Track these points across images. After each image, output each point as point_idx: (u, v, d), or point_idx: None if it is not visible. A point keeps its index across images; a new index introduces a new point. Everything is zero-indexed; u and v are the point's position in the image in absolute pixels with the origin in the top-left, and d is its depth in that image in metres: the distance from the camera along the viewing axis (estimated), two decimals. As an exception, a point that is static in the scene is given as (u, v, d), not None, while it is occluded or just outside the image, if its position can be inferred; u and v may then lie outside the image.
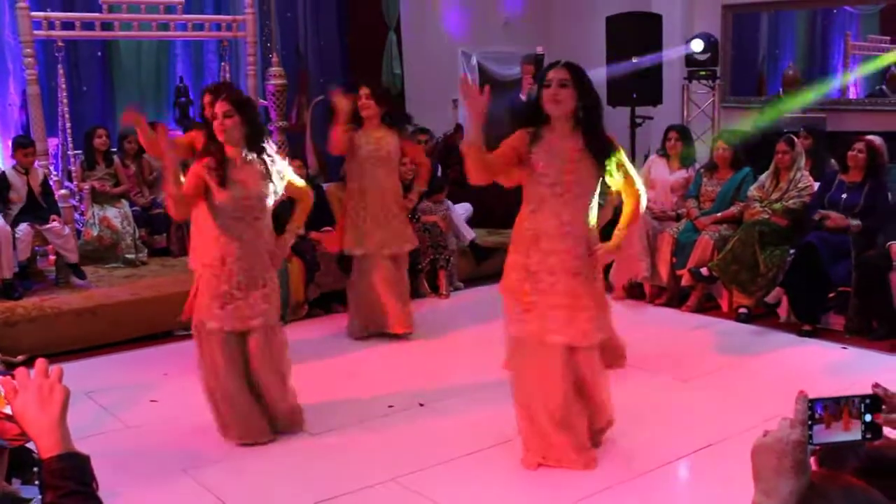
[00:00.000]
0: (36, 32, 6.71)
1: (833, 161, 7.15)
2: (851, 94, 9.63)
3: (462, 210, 7.91)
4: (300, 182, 4.56)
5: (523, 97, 8.35)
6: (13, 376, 1.75)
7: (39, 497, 1.65)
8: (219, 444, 4.39)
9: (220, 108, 4.18)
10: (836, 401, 1.42)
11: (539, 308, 3.82)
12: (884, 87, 9.79)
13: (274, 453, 4.32)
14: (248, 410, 4.37)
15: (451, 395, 4.98)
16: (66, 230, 6.47)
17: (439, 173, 7.86)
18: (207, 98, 5.04)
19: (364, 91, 5.93)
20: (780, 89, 10.78)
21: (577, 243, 3.84)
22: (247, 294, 4.24)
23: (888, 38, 10.94)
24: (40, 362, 1.75)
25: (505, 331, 4.04)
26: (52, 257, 6.72)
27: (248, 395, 4.37)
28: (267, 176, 4.25)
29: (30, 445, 1.81)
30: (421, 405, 4.86)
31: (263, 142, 4.29)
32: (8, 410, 1.80)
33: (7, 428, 1.74)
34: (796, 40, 12.03)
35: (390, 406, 4.84)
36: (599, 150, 3.81)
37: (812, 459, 1.58)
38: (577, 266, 3.84)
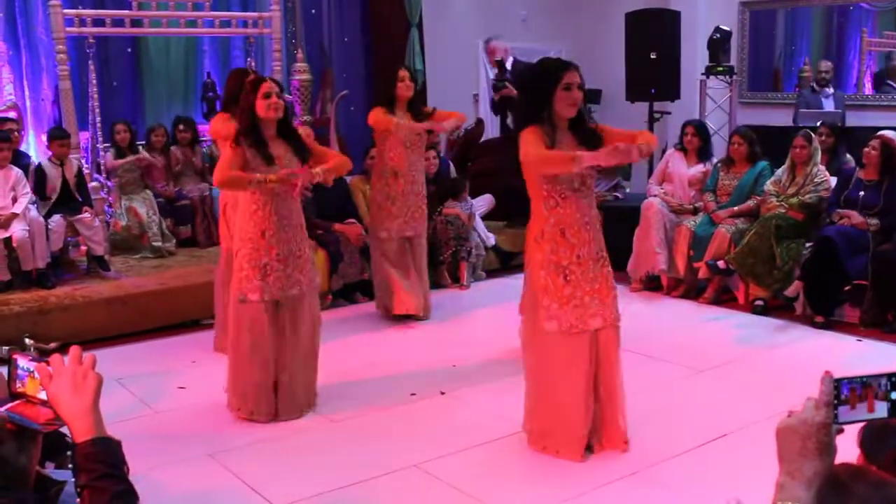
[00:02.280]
0: (68, 29, 6.74)
1: (849, 157, 7.09)
2: (867, 90, 9.53)
3: (482, 203, 7.89)
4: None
5: (495, 99, 8.44)
6: (48, 363, 1.77)
7: (73, 480, 1.66)
8: (245, 430, 4.43)
9: (272, 87, 4.38)
10: (862, 381, 1.38)
11: (574, 298, 3.86)
12: (890, 81, 9.68)
13: (298, 438, 4.35)
14: (261, 386, 4.50)
15: (471, 384, 4.99)
16: (97, 222, 6.52)
17: (452, 172, 7.88)
18: (251, 78, 4.98)
19: (404, 73, 6.15)
20: (797, 84, 10.73)
21: (596, 231, 3.95)
22: (285, 265, 4.44)
23: (902, 33, 10.84)
24: (74, 349, 1.77)
25: (529, 328, 4.04)
26: (84, 248, 6.76)
27: (268, 372, 4.49)
28: (297, 152, 4.49)
29: (63, 430, 1.82)
30: (442, 394, 4.87)
31: (292, 123, 4.56)
32: (43, 395, 1.82)
33: (41, 412, 1.75)
34: (812, 37, 11.94)
35: (413, 394, 4.86)
36: (596, 143, 3.84)
37: (856, 443, 1.55)
38: (598, 252, 3.94)
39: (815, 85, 8.93)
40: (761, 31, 10.00)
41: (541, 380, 4.03)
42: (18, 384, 1.85)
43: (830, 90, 8.90)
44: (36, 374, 1.81)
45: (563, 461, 3.97)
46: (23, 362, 1.84)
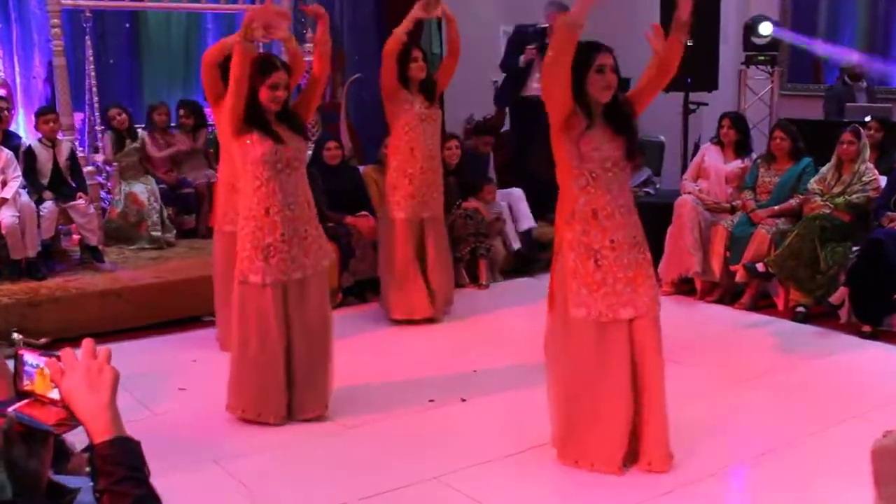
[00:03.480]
0: (63, 2, 6.67)
1: (900, 155, 7.02)
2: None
3: (517, 196, 7.79)
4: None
5: (522, 64, 8.45)
6: (59, 358, 1.71)
7: (86, 487, 1.60)
8: (252, 434, 4.39)
9: (281, 79, 4.34)
10: None
11: (605, 285, 3.80)
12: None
13: (310, 445, 4.30)
14: (271, 382, 4.44)
15: (494, 391, 4.93)
16: (91, 209, 6.47)
17: (490, 170, 7.87)
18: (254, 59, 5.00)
19: (417, 53, 6.24)
20: (838, 77, 10.65)
21: (631, 214, 3.90)
22: (290, 245, 4.40)
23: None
24: (87, 342, 1.72)
25: (556, 318, 3.96)
26: (76, 237, 6.72)
27: (278, 364, 4.44)
28: (297, 131, 4.48)
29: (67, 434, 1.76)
30: (463, 401, 4.81)
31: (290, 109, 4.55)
32: (53, 394, 1.76)
33: (51, 412, 1.70)
34: (857, 25, 11.85)
35: (431, 400, 4.80)
36: (629, 127, 3.85)
37: None
38: (635, 237, 3.89)
39: (846, 78, 8.85)
40: (803, 19, 9.92)
41: (570, 379, 3.94)
42: (26, 382, 1.79)
43: (864, 84, 8.83)
44: (46, 371, 1.75)
45: (598, 475, 3.90)
46: (31, 358, 1.78)
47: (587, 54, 3.74)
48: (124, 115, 7.28)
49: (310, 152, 6.48)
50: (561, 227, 3.93)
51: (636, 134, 3.89)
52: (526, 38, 8.54)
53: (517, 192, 7.76)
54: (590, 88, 3.76)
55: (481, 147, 8.21)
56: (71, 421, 1.71)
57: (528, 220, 7.74)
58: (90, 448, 1.63)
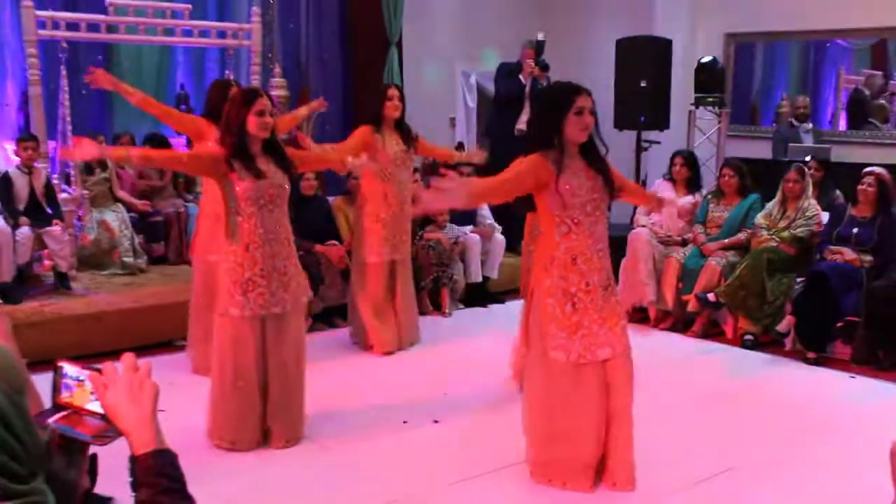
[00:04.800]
0: (40, 32, 6.66)
1: (838, 192, 7.27)
2: (842, 126, 9.77)
3: (472, 243, 7.60)
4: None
5: (523, 80, 8.32)
6: (100, 371, 1.74)
7: (133, 494, 1.63)
8: (228, 457, 4.39)
9: (267, 105, 4.34)
10: None
11: (583, 327, 3.88)
12: (873, 120, 9.96)
13: (287, 468, 4.31)
14: (246, 412, 4.44)
15: (465, 413, 4.99)
16: (66, 236, 6.42)
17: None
18: (237, 93, 5.06)
19: (393, 92, 6.14)
20: (776, 119, 10.99)
21: (606, 258, 3.99)
22: (269, 281, 4.38)
23: (880, 72, 11.17)
24: (128, 356, 1.75)
25: (535, 357, 4.05)
26: (48, 262, 6.64)
27: (253, 396, 4.43)
28: (283, 166, 4.44)
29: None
30: (436, 422, 4.86)
31: (277, 139, 4.53)
32: (92, 406, 1.78)
33: (90, 424, 1.72)
34: (790, 72, 12.25)
35: (404, 422, 4.84)
36: (605, 169, 3.94)
37: None
38: (607, 280, 3.98)
39: (793, 120, 9.15)
40: (742, 64, 10.23)
41: (547, 411, 4.03)
42: (65, 394, 1.82)
43: (809, 125, 9.14)
44: (87, 384, 1.78)
45: (571, 493, 3.98)
46: (71, 370, 1.82)
47: (567, 96, 3.82)
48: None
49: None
50: (539, 274, 3.99)
51: (610, 169, 3.97)
52: (511, 69, 8.45)
53: (473, 239, 7.57)
54: (567, 129, 3.82)
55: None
56: (110, 433, 1.74)
57: (476, 274, 7.60)
58: (132, 459, 1.65)
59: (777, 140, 9.05)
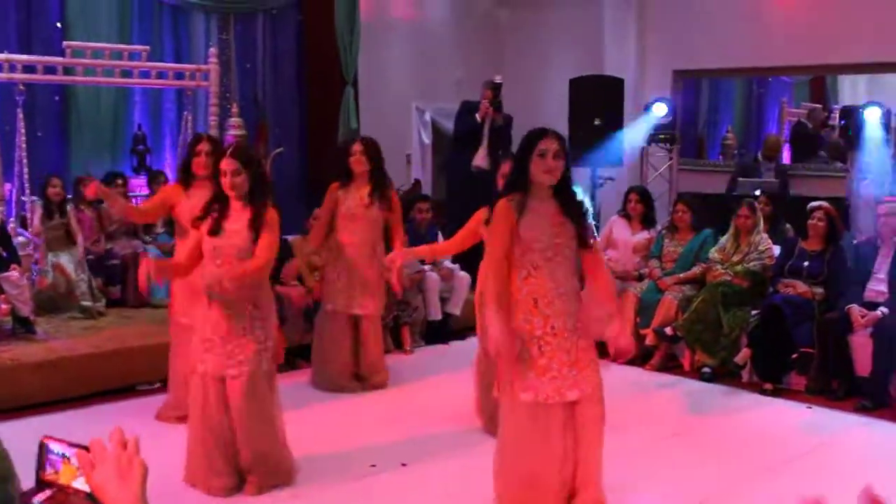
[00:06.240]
0: (-2, 75, 6.54)
1: (788, 226, 7.38)
2: (784, 159, 9.96)
3: (431, 282, 7.51)
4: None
5: (479, 118, 8.31)
6: (87, 449, 1.66)
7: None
8: (200, 502, 4.26)
9: (229, 165, 4.21)
10: None
11: (551, 370, 3.84)
12: (822, 153, 10.19)
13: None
14: (216, 464, 4.34)
15: (432, 454, 4.92)
16: (24, 280, 6.25)
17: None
18: (203, 147, 4.98)
19: (358, 147, 6.01)
20: (720, 153, 11.20)
21: (571, 301, 3.93)
22: (225, 342, 4.26)
23: (819, 105, 11.48)
24: (117, 432, 1.68)
25: (506, 399, 4.00)
26: (5, 307, 6.45)
27: (221, 444, 4.33)
28: (254, 225, 4.25)
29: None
30: (404, 465, 4.78)
31: (266, 196, 4.33)
32: (78, 484, 1.70)
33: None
34: (734, 106, 12.51)
35: (373, 465, 4.76)
36: (577, 212, 3.90)
37: None
38: (574, 324, 3.92)
39: (760, 156, 9.28)
40: (686, 100, 10.41)
41: (515, 451, 4.00)
42: (49, 471, 1.73)
43: (774, 164, 9.27)
44: (73, 461, 1.70)
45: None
46: (56, 447, 1.73)
47: (530, 139, 3.84)
48: (59, 189, 7.03)
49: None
50: None
51: (584, 217, 3.91)
52: (472, 107, 8.45)
53: (432, 278, 7.48)
54: (532, 171, 3.82)
55: (416, 215, 7.99)
56: (95, 513, 1.67)
57: (436, 313, 7.51)
58: None
59: (736, 174, 9.12)
